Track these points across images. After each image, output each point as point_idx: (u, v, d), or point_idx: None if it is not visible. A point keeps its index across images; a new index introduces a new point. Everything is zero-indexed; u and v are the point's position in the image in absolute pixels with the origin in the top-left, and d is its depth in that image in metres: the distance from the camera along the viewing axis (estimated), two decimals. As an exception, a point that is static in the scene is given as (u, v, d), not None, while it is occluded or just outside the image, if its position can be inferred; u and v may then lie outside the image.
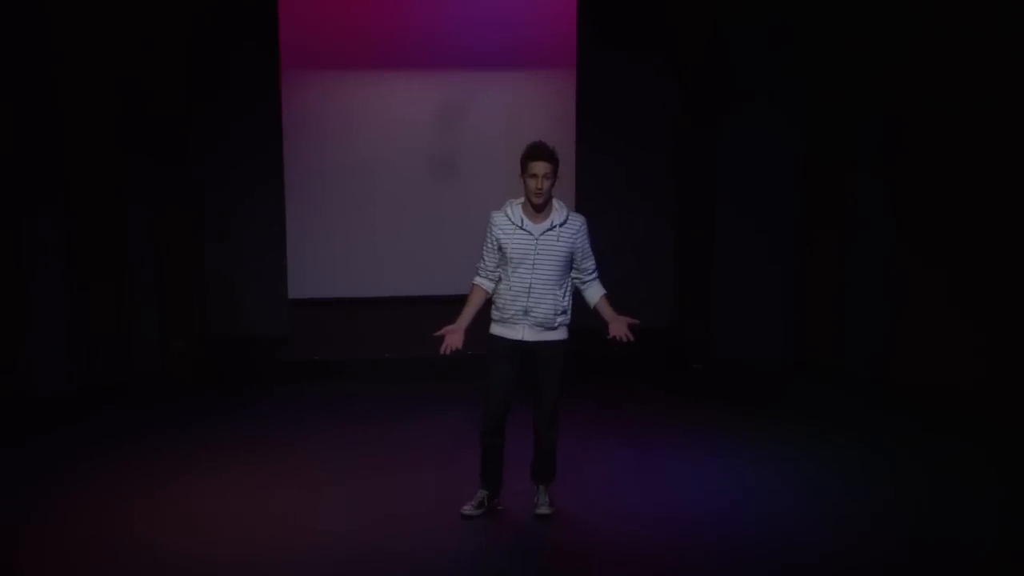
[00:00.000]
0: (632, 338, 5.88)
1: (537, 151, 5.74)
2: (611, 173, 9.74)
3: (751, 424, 7.86)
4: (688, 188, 9.70)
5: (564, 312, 5.95)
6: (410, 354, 9.22)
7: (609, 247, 9.77)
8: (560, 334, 5.97)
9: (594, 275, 6.04)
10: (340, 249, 11.05)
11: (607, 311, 5.99)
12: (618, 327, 5.89)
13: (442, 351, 5.91)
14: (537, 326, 5.88)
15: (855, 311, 9.33)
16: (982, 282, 8.41)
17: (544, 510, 6.23)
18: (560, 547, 5.89)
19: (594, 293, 6.05)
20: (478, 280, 6.00)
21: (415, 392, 8.76)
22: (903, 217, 8.91)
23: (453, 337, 5.91)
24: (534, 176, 5.72)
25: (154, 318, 9.19)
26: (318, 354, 9.25)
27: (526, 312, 5.85)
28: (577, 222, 5.92)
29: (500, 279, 5.94)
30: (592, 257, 6.03)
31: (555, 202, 5.88)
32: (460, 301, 6.06)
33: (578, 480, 6.76)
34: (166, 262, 9.27)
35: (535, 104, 10.97)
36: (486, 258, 5.94)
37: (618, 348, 6.00)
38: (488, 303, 6.03)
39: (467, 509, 6.17)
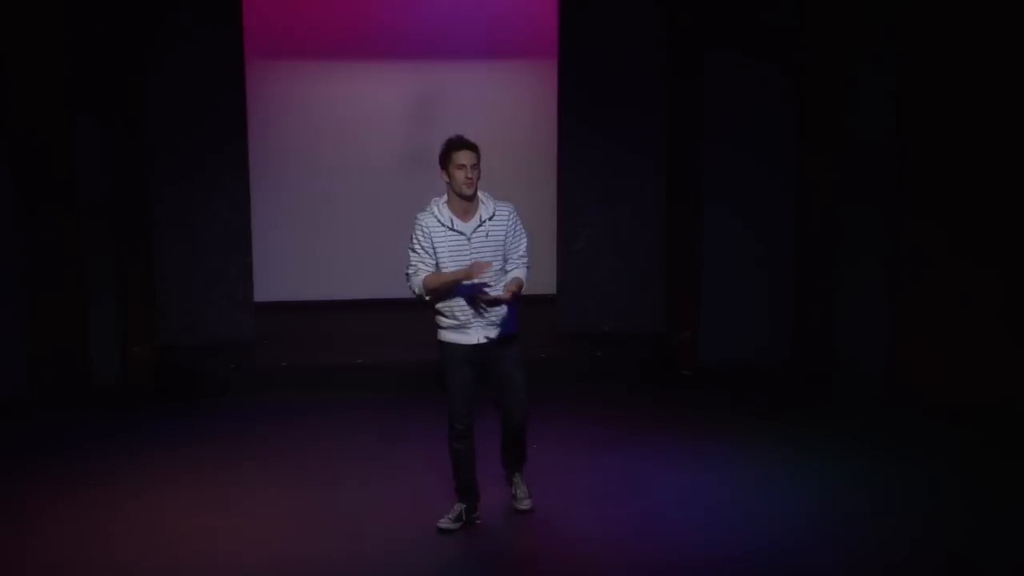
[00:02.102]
0: (507, 298, 5.83)
1: (461, 141, 5.82)
2: (595, 171, 9.63)
3: (741, 431, 7.85)
4: (676, 187, 9.62)
5: (510, 305, 5.95)
6: (383, 360, 9.11)
7: (593, 248, 9.70)
8: (512, 327, 6.00)
9: (524, 259, 6.04)
10: (308, 250, 10.96)
11: (510, 283, 5.91)
12: (506, 288, 5.84)
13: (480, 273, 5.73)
14: (491, 325, 5.91)
15: (847, 314, 9.33)
16: (981, 283, 8.40)
17: (526, 504, 6.34)
18: (544, 561, 5.87)
19: (512, 276, 5.97)
20: (419, 275, 5.85)
21: (387, 400, 8.66)
22: (899, 218, 8.88)
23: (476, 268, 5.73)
24: (461, 167, 5.75)
25: (111, 323, 9.07)
26: (285, 361, 9.09)
27: (476, 313, 5.85)
28: (505, 211, 5.95)
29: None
30: (524, 242, 6.02)
31: (481, 195, 5.92)
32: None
33: (563, 491, 6.77)
34: (123, 263, 9.11)
35: (514, 98, 10.92)
36: (423, 261, 5.85)
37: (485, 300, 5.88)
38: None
39: (444, 523, 6.13)
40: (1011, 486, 6.75)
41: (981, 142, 8.31)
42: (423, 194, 10.59)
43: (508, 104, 10.79)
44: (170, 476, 7.01)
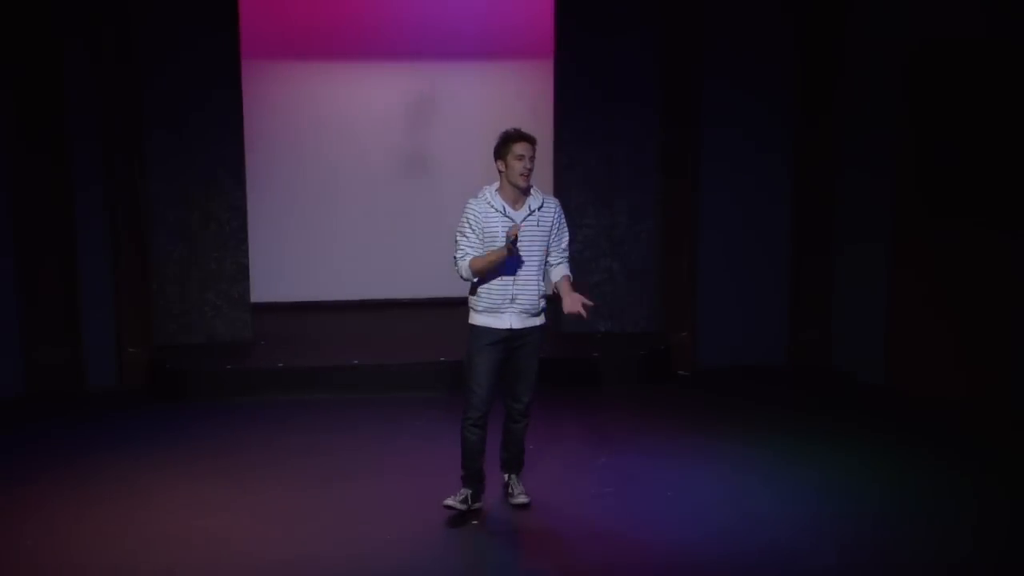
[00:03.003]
0: (585, 316, 6.06)
1: (521, 133, 6.02)
2: (592, 170, 9.67)
3: (738, 432, 7.86)
4: (673, 186, 9.64)
5: (544, 296, 6.19)
6: (380, 361, 9.10)
7: (590, 248, 9.73)
8: (542, 319, 6.23)
9: (566, 254, 6.27)
10: (306, 250, 10.96)
11: (565, 287, 6.15)
12: (572, 303, 6.05)
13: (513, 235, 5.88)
14: (524, 313, 6.09)
15: (846, 316, 9.35)
16: (980, 288, 8.40)
17: (523, 499, 6.44)
18: (543, 562, 5.87)
19: (559, 272, 6.24)
20: (467, 259, 6.01)
21: (385, 400, 8.67)
22: (898, 218, 8.89)
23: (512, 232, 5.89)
24: (520, 158, 5.95)
25: (107, 323, 9.08)
26: (282, 361, 9.09)
27: (513, 299, 6.03)
28: (552, 204, 6.21)
29: None
30: (566, 239, 6.27)
31: (531, 188, 6.13)
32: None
33: (560, 491, 6.78)
34: (120, 263, 9.12)
35: (511, 96, 10.92)
36: (469, 247, 6.02)
37: (572, 320, 6.21)
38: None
39: (450, 501, 6.29)
40: (1010, 486, 6.79)
41: (986, 142, 8.30)
42: (420, 195, 10.84)
43: (505, 104, 10.80)
44: (167, 477, 7.01)
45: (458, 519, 6.24)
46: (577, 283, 9.55)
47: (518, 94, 10.90)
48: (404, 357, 9.04)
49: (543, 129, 10.12)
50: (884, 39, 8.88)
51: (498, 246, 5.95)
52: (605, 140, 9.61)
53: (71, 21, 8.77)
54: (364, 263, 10.93)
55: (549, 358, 9.21)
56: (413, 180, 10.85)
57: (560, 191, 9.72)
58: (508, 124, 10.59)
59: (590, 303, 6.05)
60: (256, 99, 10.24)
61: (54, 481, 6.95)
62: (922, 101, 8.63)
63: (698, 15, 9.39)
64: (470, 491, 6.29)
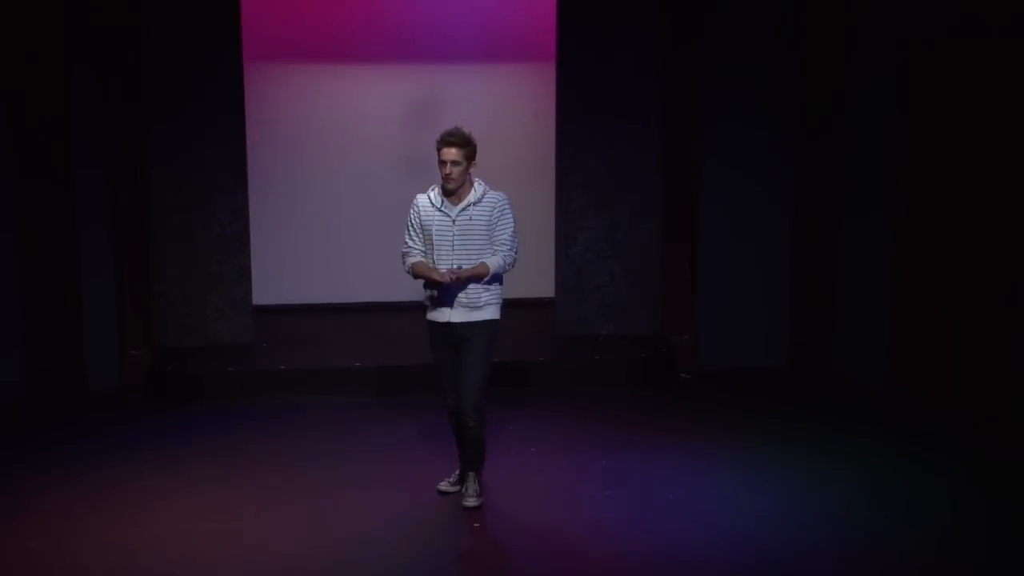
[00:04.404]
0: (446, 280, 6.14)
1: (447, 137, 6.23)
2: (593, 174, 9.71)
3: (741, 435, 7.87)
4: (674, 188, 9.69)
5: (488, 290, 6.33)
6: (381, 363, 9.14)
7: (591, 250, 9.79)
8: (487, 313, 6.35)
9: (501, 249, 6.31)
10: (307, 252, 11.00)
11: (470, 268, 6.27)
12: (459, 271, 6.18)
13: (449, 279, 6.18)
14: (462, 307, 6.28)
15: (849, 319, 9.36)
16: (985, 283, 8.39)
17: (472, 502, 6.49)
18: (545, 565, 5.89)
19: (486, 259, 6.30)
20: (412, 259, 6.33)
21: (387, 403, 8.71)
22: (901, 218, 8.91)
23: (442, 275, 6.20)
24: (443, 163, 6.20)
25: (109, 326, 9.11)
26: (284, 364, 9.15)
27: (450, 292, 6.23)
28: (495, 199, 6.35)
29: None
30: (508, 232, 6.35)
31: (476, 183, 6.35)
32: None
33: (562, 495, 6.79)
34: (121, 265, 9.19)
35: (513, 99, 10.97)
36: (413, 239, 6.35)
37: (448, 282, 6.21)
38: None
39: (443, 485, 6.67)
40: (1017, 491, 6.81)
41: (990, 142, 8.32)
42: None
43: (507, 107, 10.83)
44: (169, 480, 7.04)
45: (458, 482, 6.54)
46: (579, 285, 9.82)
47: (520, 96, 10.94)
48: (406, 360, 9.06)
49: (545, 131, 10.22)
50: (884, 42, 8.91)
51: (439, 242, 6.22)
52: (606, 142, 9.65)
53: (76, 21, 8.84)
54: (366, 265, 10.95)
55: (550, 361, 9.35)
56: (415, 182, 10.80)
57: (561, 193, 9.78)
58: (510, 126, 10.72)
59: (455, 276, 6.12)
60: (258, 100, 10.28)
61: (56, 484, 6.97)
62: (921, 107, 8.65)
63: (699, 17, 9.43)
64: (458, 472, 6.63)
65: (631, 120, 9.66)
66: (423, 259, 6.34)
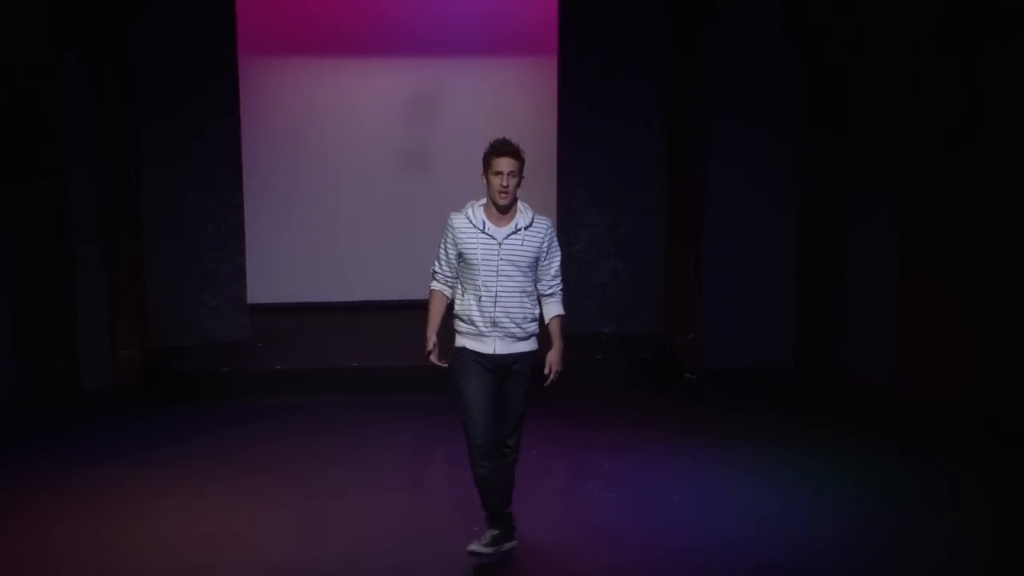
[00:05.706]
0: (556, 379, 5.86)
1: (501, 147, 5.66)
2: (597, 170, 9.70)
3: (746, 438, 7.88)
4: (678, 186, 9.68)
5: (534, 320, 5.86)
6: (380, 363, 9.14)
7: (594, 248, 9.77)
8: (531, 344, 5.87)
9: (555, 285, 5.90)
10: (304, 250, 10.99)
11: (556, 333, 5.91)
12: (555, 361, 5.86)
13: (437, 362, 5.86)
14: (507, 337, 5.76)
15: (856, 318, 9.38)
16: (991, 288, 8.41)
17: (476, 547, 5.87)
18: (546, 567, 5.90)
19: (551, 310, 5.92)
20: (436, 286, 5.88)
21: (384, 403, 8.69)
22: (906, 217, 8.93)
23: (436, 357, 5.84)
24: (499, 174, 5.62)
25: (102, 325, 9.10)
26: (280, 364, 9.13)
27: (495, 324, 5.72)
28: (543, 224, 5.83)
29: (457, 287, 5.83)
30: (557, 263, 5.89)
31: (520, 204, 5.79)
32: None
33: (564, 496, 6.82)
34: (114, 264, 9.17)
35: (514, 94, 10.95)
36: (443, 264, 5.83)
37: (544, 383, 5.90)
38: (450, 310, 5.89)
39: (475, 546, 5.88)
40: (1017, 487, 6.85)
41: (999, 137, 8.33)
42: (421, 194, 10.86)
43: (508, 102, 10.82)
44: (163, 480, 7.04)
45: (493, 542, 5.87)
46: (582, 284, 9.80)
47: (521, 92, 10.92)
48: (404, 359, 9.04)
49: (546, 127, 10.19)
50: (892, 41, 8.92)
51: (482, 267, 5.68)
52: (609, 138, 9.65)
53: (66, 12, 8.82)
54: (364, 264, 10.95)
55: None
56: (414, 179, 10.86)
57: (563, 190, 9.76)
58: (511, 122, 10.70)
59: (559, 369, 5.85)
60: (254, 95, 10.27)
61: (48, 485, 6.97)
62: (931, 105, 8.67)
63: (704, 13, 9.43)
64: (496, 531, 5.90)
65: (634, 117, 9.67)
66: (445, 295, 5.84)
